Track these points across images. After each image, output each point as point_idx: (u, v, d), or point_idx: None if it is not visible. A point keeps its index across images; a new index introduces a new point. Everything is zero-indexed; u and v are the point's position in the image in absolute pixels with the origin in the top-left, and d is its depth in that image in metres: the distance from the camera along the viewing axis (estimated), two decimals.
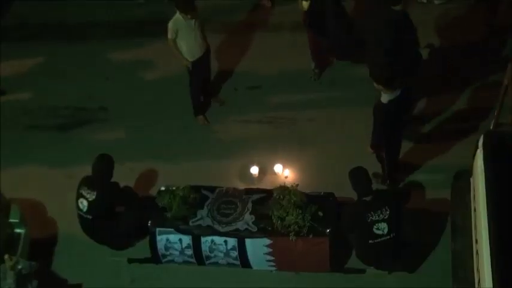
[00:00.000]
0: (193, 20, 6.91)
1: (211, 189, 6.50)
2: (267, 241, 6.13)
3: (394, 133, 6.29)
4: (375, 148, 6.34)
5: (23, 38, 8.58)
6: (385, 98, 6.02)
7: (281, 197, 6.15)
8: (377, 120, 6.12)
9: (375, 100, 6.09)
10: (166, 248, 6.30)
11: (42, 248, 6.56)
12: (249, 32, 8.24)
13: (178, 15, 6.91)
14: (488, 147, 5.70)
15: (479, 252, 5.47)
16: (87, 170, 6.33)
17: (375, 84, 6.00)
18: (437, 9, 8.11)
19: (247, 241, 6.15)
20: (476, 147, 5.84)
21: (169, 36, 6.99)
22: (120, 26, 8.54)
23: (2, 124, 7.67)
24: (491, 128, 6.64)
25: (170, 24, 6.95)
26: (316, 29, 7.24)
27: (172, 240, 6.26)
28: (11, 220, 6.45)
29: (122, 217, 6.39)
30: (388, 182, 6.64)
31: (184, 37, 6.98)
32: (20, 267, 5.90)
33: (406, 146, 6.67)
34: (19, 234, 6.42)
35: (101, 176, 6.25)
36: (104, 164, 6.26)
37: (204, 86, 7.46)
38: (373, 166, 5.95)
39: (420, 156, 6.87)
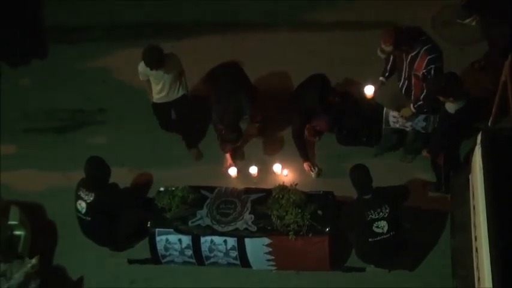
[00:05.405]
0: (163, 72, 6.61)
1: (211, 189, 6.50)
2: (267, 240, 6.13)
3: (457, 143, 6.19)
4: (432, 153, 6.26)
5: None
6: (451, 107, 5.89)
7: (280, 196, 6.16)
8: (440, 129, 6.05)
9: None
10: (166, 249, 6.30)
11: (43, 250, 6.54)
12: (246, 34, 8.21)
13: None
14: (486, 145, 5.69)
15: (478, 250, 5.47)
16: None
17: (441, 98, 5.85)
18: None
19: (247, 241, 6.15)
20: (475, 144, 5.84)
21: (141, 78, 6.82)
22: (116, 29, 8.51)
23: (1, 128, 7.67)
24: (489, 125, 6.64)
25: (139, 68, 6.70)
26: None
27: (171, 241, 6.26)
28: (10, 222, 6.45)
29: (121, 218, 6.39)
30: (443, 189, 6.50)
31: (153, 82, 6.78)
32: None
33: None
34: (19, 236, 6.43)
35: (94, 178, 6.25)
36: (93, 166, 6.22)
37: (188, 131, 7.19)
38: (370, 165, 5.95)
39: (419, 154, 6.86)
